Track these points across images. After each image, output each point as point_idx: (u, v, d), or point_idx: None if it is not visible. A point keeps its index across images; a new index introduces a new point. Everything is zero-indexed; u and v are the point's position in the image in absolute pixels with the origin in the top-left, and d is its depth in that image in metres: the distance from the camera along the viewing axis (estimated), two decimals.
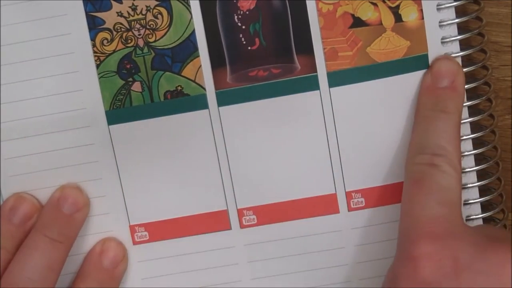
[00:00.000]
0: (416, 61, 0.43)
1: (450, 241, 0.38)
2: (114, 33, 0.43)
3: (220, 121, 0.44)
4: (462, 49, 0.44)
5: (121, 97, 0.43)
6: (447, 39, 0.43)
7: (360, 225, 0.45)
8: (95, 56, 0.43)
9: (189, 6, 0.43)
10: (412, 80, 0.43)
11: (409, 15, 0.43)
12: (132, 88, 0.43)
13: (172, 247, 0.45)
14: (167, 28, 0.43)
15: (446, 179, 0.40)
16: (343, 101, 0.44)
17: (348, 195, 0.45)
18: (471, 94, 0.44)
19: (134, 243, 0.45)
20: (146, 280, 0.45)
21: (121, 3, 0.43)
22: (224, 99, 0.44)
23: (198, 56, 0.43)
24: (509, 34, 0.46)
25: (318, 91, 0.44)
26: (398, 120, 0.44)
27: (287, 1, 0.43)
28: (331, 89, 0.44)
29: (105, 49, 0.43)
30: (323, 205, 0.45)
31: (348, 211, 0.45)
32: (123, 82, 0.43)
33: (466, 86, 0.44)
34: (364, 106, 0.44)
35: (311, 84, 0.44)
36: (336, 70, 0.44)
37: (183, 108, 0.44)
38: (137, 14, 0.43)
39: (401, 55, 0.43)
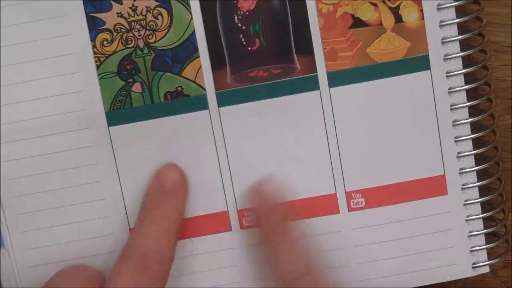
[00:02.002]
0: (416, 61, 0.43)
1: None
2: (114, 34, 0.43)
3: (220, 122, 0.44)
4: (462, 49, 0.44)
5: (121, 98, 0.43)
6: (447, 39, 0.43)
7: (360, 225, 0.45)
8: (95, 57, 0.43)
9: (189, 6, 0.43)
10: (412, 80, 0.43)
11: (409, 16, 0.43)
12: (132, 89, 0.43)
13: None
14: (167, 29, 0.43)
15: None
16: (343, 101, 0.44)
17: (348, 195, 0.45)
18: (471, 94, 0.44)
19: None
20: None
21: (121, 3, 0.43)
22: (224, 100, 0.44)
23: (198, 56, 0.43)
24: (509, 34, 0.46)
25: (318, 91, 0.44)
26: (398, 120, 0.44)
27: (287, 2, 0.43)
28: (331, 89, 0.44)
29: (105, 50, 0.43)
30: (323, 205, 0.45)
31: (348, 211, 0.45)
32: (123, 83, 0.43)
33: (466, 86, 0.44)
34: (364, 106, 0.44)
35: (311, 85, 0.44)
36: (336, 71, 0.44)
37: (183, 109, 0.44)
38: (137, 15, 0.43)
39: (401, 56, 0.43)
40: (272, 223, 0.43)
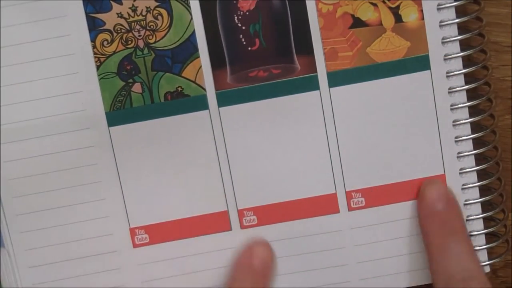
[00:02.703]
0: (416, 61, 0.43)
1: None
2: (114, 34, 0.43)
3: (221, 122, 0.44)
4: (462, 49, 0.44)
5: (122, 98, 0.43)
6: (447, 39, 0.43)
7: (360, 224, 0.45)
8: (95, 57, 0.43)
9: (189, 7, 0.43)
10: (412, 80, 0.43)
11: (409, 16, 0.43)
12: (132, 89, 0.43)
13: (173, 249, 0.45)
14: (167, 29, 0.43)
15: None
16: (343, 101, 0.44)
17: (348, 194, 0.45)
18: (471, 94, 0.44)
19: (134, 246, 0.45)
20: (147, 283, 0.45)
21: (121, 4, 0.43)
22: (224, 100, 0.44)
23: (198, 57, 0.43)
24: (509, 34, 0.46)
25: (318, 91, 0.44)
26: (398, 120, 0.44)
27: (287, 2, 0.43)
28: (331, 89, 0.44)
29: (105, 50, 0.43)
30: (323, 205, 0.45)
31: (348, 210, 0.45)
32: (123, 83, 0.43)
33: (466, 86, 0.44)
34: (364, 106, 0.44)
35: (311, 84, 0.44)
36: (336, 70, 0.44)
37: (183, 109, 0.44)
38: (137, 15, 0.43)
39: (401, 56, 0.43)
40: (447, 221, 0.43)
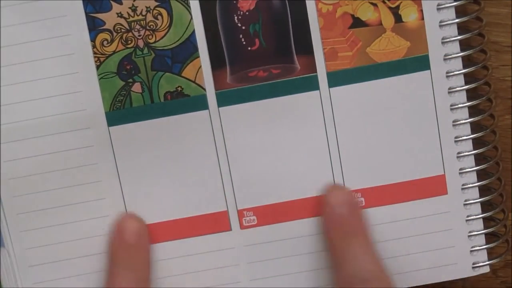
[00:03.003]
0: (416, 61, 0.43)
1: None
2: (114, 34, 0.43)
3: (220, 122, 0.44)
4: (462, 50, 0.44)
5: (121, 98, 0.43)
6: (447, 39, 0.43)
7: None
8: (95, 57, 0.43)
9: (189, 6, 0.43)
10: (412, 80, 0.43)
11: (409, 16, 0.43)
12: (132, 89, 0.43)
13: (172, 249, 0.45)
14: (167, 29, 0.43)
15: None
16: (343, 101, 0.44)
17: None
18: (471, 94, 0.44)
19: None
20: None
21: (121, 4, 0.43)
22: (224, 100, 0.44)
23: (198, 56, 0.43)
24: (509, 34, 0.46)
25: (318, 91, 0.44)
26: (398, 120, 0.44)
27: (286, 2, 0.43)
28: (331, 89, 0.44)
29: (105, 50, 0.43)
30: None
31: None
32: (123, 83, 0.43)
33: (466, 86, 0.44)
34: (364, 106, 0.44)
35: (311, 84, 0.44)
36: (336, 70, 0.44)
37: (183, 109, 0.44)
38: (137, 15, 0.43)
39: (401, 56, 0.43)
40: (348, 224, 0.43)
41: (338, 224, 0.43)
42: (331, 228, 0.44)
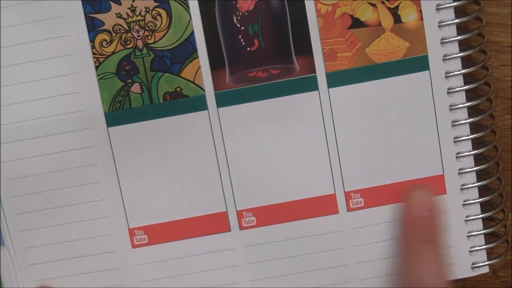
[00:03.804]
0: (415, 62, 0.43)
1: None
2: (113, 34, 0.43)
3: (219, 122, 0.44)
4: (461, 50, 0.44)
5: (120, 98, 0.44)
6: (447, 40, 0.43)
7: (360, 225, 0.45)
8: (94, 57, 0.43)
9: (188, 7, 0.43)
10: (411, 81, 0.43)
11: (408, 16, 0.43)
12: (131, 90, 0.44)
13: (172, 249, 0.45)
14: (166, 30, 0.43)
15: None
16: (342, 102, 0.44)
17: (347, 195, 0.45)
18: (471, 94, 0.44)
19: (133, 246, 0.45)
20: (146, 283, 0.45)
21: (120, 4, 0.43)
22: (223, 100, 0.44)
23: (197, 57, 0.43)
24: (509, 34, 0.45)
25: (317, 91, 0.44)
26: (397, 121, 0.44)
27: (286, 2, 0.43)
28: (330, 89, 0.44)
29: (104, 51, 0.43)
30: (323, 206, 0.45)
31: (348, 211, 0.45)
32: (122, 83, 0.43)
33: (465, 87, 0.44)
34: (363, 106, 0.44)
35: (310, 85, 0.44)
36: (335, 71, 0.44)
37: (182, 109, 0.44)
38: (136, 16, 0.43)
39: (400, 56, 0.43)
40: (427, 229, 0.43)
41: (418, 227, 0.43)
42: (409, 231, 0.43)
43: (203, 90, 0.44)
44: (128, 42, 0.43)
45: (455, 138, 0.44)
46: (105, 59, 0.43)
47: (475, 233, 0.45)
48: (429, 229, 0.43)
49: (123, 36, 0.43)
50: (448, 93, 0.44)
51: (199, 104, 0.44)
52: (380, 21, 0.43)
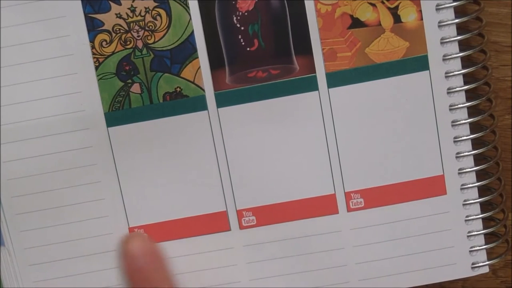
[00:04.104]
0: (415, 62, 0.43)
1: None
2: (113, 34, 0.43)
3: (219, 122, 0.44)
4: (461, 50, 0.44)
5: (120, 98, 0.44)
6: (447, 40, 0.43)
7: (360, 225, 0.45)
8: (94, 57, 0.43)
9: (188, 7, 0.43)
10: (411, 81, 0.43)
11: (408, 16, 0.43)
12: (131, 90, 0.44)
13: (171, 249, 0.45)
14: (166, 30, 0.43)
15: None
16: (342, 102, 0.44)
17: (347, 195, 0.45)
18: (471, 94, 0.44)
19: None
20: None
21: (120, 4, 0.43)
22: (223, 100, 0.44)
23: (197, 57, 0.43)
24: (509, 34, 0.45)
25: (317, 91, 0.44)
26: (397, 121, 0.44)
27: (285, 2, 0.43)
28: (330, 89, 0.44)
29: (104, 51, 0.43)
30: (323, 206, 0.45)
31: (347, 211, 0.45)
32: (122, 83, 0.43)
33: (465, 87, 0.44)
34: (363, 106, 0.44)
35: (310, 85, 0.44)
36: (335, 71, 0.44)
37: (182, 110, 0.44)
38: (136, 16, 0.43)
39: (400, 56, 0.43)
40: (152, 278, 0.41)
41: (141, 276, 0.41)
42: (134, 281, 0.41)
43: (203, 90, 0.44)
44: (128, 42, 0.43)
45: (455, 138, 0.44)
46: (105, 59, 0.43)
47: (475, 233, 0.45)
48: (154, 276, 0.41)
49: (123, 36, 0.43)
50: (448, 93, 0.44)
51: (199, 104, 0.44)
52: (380, 21, 0.43)
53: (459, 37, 0.43)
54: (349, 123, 0.44)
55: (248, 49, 0.43)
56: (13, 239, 0.45)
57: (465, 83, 0.44)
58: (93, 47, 0.43)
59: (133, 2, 0.43)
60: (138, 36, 0.43)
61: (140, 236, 0.43)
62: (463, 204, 0.45)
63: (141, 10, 0.43)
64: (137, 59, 0.43)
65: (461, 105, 0.44)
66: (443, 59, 0.43)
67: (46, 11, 0.43)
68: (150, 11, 0.43)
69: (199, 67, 0.43)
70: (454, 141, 0.44)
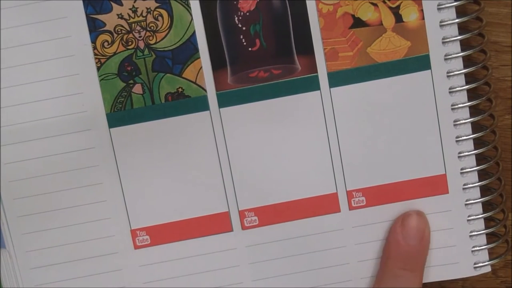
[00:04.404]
0: (417, 61, 0.43)
1: None
2: (115, 35, 0.43)
3: (221, 123, 0.44)
4: (462, 49, 0.44)
5: (122, 99, 0.43)
6: (448, 39, 0.43)
7: (361, 223, 0.45)
8: (95, 58, 0.43)
9: (190, 7, 0.43)
10: (412, 80, 0.43)
11: (410, 16, 0.43)
12: (133, 90, 0.43)
13: (174, 250, 0.45)
14: (168, 30, 0.43)
15: None
16: (344, 101, 0.44)
17: (349, 194, 0.45)
18: (471, 94, 0.44)
19: (136, 247, 0.45)
20: (148, 284, 0.45)
21: (122, 5, 0.43)
22: (225, 101, 0.44)
23: (199, 57, 0.43)
24: (509, 34, 0.46)
25: (319, 91, 0.44)
26: (398, 120, 0.44)
27: (287, 2, 0.43)
28: (331, 89, 0.44)
29: (105, 52, 0.43)
30: (325, 205, 0.45)
31: (349, 210, 0.45)
32: (124, 84, 0.43)
33: (466, 86, 0.44)
34: (365, 106, 0.44)
35: (312, 85, 0.44)
36: (336, 71, 0.44)
37: (184, 110, 0.44)
38: (138, 16, 0.43)
39: (401, 56, 0.43)
40: (411, 258, 0.44)
41: (404, 252, 0.44)
42: (394, 255, 0.44)
43: (205, 90, 0.44)
44: (130, 43, 0.43)
45: (456, 137, 0.44)
46: (106, 60, 0.43)
47: (477, 233, 0.45)
48: (414, 258, 0.44)
49: (125, 37, 0.43)
50: (449, 92, 0.44)
51: (200, 104, 0.44)
52: (382, 20, 0.43)
53: (460, 37, 0.43)
54: (351, 123, 0.44)
55: (249, 49, 0.43)
56: (14, 242, 0.45)
57: (465, 83, 0.44)
58: (94, 48, 0.43)
59: (134, 2, 0.43)
60: (140, 37, 0.43)
61: (422, 217, 0.45)
62: (465, 204, 0.45)
63: (142, 11, 0.43)
64: (138, 59, 0.43)
65: (463, 105, 0.44)
66: (445, 59, 0.44)
67: (48, 12, 0.43)
68: (151, 12, 0.43)
69: (201, 68, 0.43)
70: (456, 141, 0.44)
